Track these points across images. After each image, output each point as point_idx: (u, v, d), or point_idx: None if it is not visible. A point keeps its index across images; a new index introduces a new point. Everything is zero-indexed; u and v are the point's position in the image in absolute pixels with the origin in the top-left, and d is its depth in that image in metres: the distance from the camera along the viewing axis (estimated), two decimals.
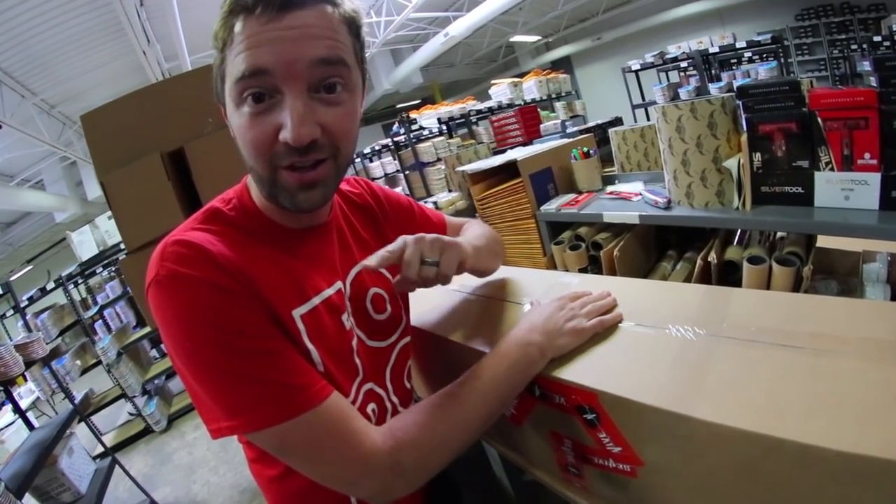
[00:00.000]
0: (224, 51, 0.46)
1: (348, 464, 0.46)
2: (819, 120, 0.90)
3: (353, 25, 0.48)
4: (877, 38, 5.16)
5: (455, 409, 0.51)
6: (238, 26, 0.43)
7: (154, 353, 4.55)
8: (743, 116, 1.00)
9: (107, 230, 3.50)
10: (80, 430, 2.70)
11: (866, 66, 5.12)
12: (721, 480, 0.45)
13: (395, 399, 0.64)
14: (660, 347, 0.54)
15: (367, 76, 0.54)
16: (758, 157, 1.00)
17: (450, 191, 3.53)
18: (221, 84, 0.48)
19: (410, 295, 0.73)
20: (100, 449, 2.75)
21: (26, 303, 3.52)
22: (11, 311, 3.47)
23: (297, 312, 0.50)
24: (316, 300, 0.53)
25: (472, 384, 0.53)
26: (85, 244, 3.53)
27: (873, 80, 0.89)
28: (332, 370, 0.53)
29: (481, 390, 0.52)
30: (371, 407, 0.59)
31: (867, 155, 0.87)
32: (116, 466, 2.25)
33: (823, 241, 0.99)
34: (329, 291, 0.55)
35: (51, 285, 3.71)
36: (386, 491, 0.47)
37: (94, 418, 2.90)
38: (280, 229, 0.55)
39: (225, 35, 0.45)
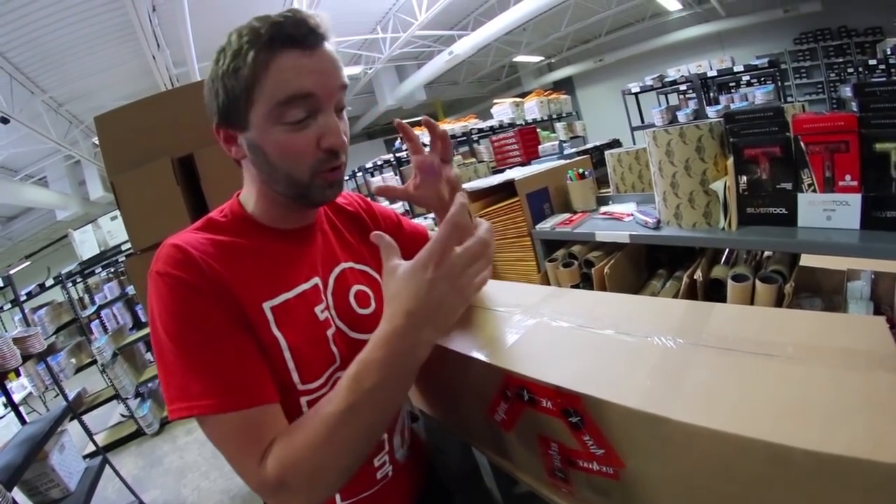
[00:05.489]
0: (256, 73, 0.51)
1: (247, 475, 0.50)
2: (802, 144, 0.94)
3: None
4: (872, 62, 5.27)
5: (336, 429, 0.48)
6: (279, 56, 0.51)
7: (149, 356, 4.53)
8: (729, 141, 1.04)
9: (109, 231, 3.52)
10: (72, 428, 2.69)
11: (848, 91, 5.23)
12: (698, 481, 0.46)
13: None
14: (642, 355, 0.56)
15: None
16: (743, 179, 1.03)
17: None
18: (246, 104, 0.53)
19: None
20: (90, 448, 2.73)
21: (24, 297, 3.52)
22: (9, 305, 3.46)
23: (268, 304, 0.57)
24: (287, 294, 0.59)
25: (347, 401, 0.48)
26: (86, 243, 3.54)
27: (854, 105, 0.93)
28: (306, 354, 0.58)
29: (358, 408, 0.48)
30: None
31: (848, 177, 0.91)
32: (106, 467, 2.23)
33: (810, 261, 1.02)
34: (305, 286, 0.62)
35: (50, 282, 3.71)
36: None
37: (85, 418, 2.89)
38: (267, 231, 0.63)
39: (265, 61, 0.51)
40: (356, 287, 0.69)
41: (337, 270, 0.67)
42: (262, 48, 0.51)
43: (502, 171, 2.99)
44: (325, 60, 0.53)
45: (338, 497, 0.64)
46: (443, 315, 0.49)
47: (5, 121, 4.50)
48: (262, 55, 0.51)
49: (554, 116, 5.55)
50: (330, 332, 0.62)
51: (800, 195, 0.98)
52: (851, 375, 0.44)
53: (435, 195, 0.73)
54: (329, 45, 0.55)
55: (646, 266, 1.53)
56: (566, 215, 1.64)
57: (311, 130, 0.54)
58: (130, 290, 4.26)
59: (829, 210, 0.94)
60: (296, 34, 0.51)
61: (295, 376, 0.58)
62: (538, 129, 4.47)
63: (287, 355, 0.57)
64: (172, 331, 0.51)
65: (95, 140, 6.54)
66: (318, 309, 0.62)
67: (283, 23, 0.51)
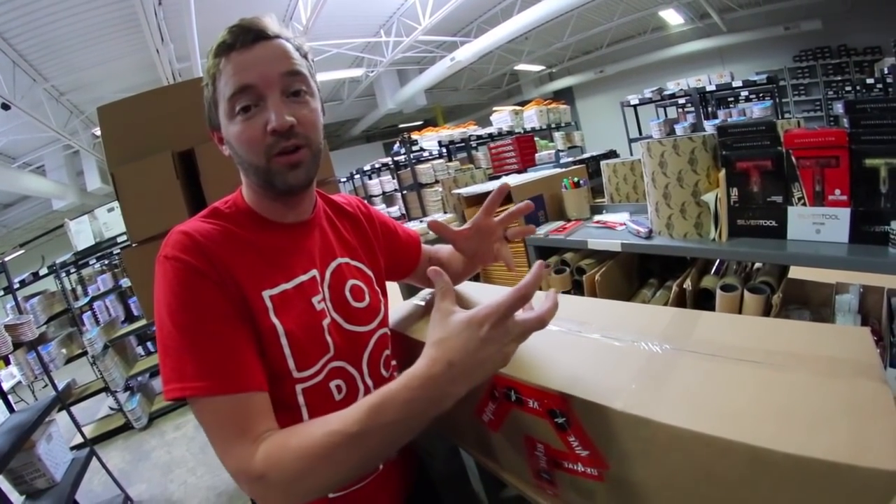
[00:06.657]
0: (215, 83, 0.60)
1: (229, 459, 0.51)
2: (793, 158, 0.96)
3: (301, 51, 0.63)
4: (870, 81, 5.34)
5: (338, 448, 0.47)
6: (223, 62, 0.58)
7: (140, 350, 4.51)
8: (722, 154, 1.06)
9: (105, 222, 3.50)
10: (60, 419, 2.67)
11: (840, 108, 5.34)
12: (681, 483, 0.47)
13: (369, 382, 0.69)
14: (628, 359, 0.57)
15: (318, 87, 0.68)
16: (734, 191, 1.05)
17: (445, 212, 3.60)
18: (215, 109, 0.62)
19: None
20: (77, 440, 2.71)
21: (17, 285, 3.49)
22: (1, 293, 3.44)
23: (267, 293, 0.60)
24: (286, 285, 0.62)
25: (360, 427, 0.47)
26: (82, 234, 3.52)
27: (846, 122, 0.95)
28: (302, 343, 0.61)
29: (367, 437, 0.47)
30: (335, 383, 0.65)
31: (838, 191, 0.92)
32: (93, 459, 2.22)
33: (799, 274, 1.04)
34: (303, 277, 0.64)
35: (43, 271, 3.69)
36: (259, 497, 0.50)
37: (73, 410, 2.86)
38: (267, 223, 0.65)
39: (214, 70, 0.60)
40: (351, 281, 0.71)
41: (333, 265, 0.70)
42: (213, 61, 0.60)
43: (499, 177, 3.02)
44: (262, 52, 0.58)
45: None
46: (480, 374, 0.48)
47: (6, 107, 4.49)
48: (213, 67, 0.60)
49: (553, 126, 5.59)
50: (325, 323, 0.64)
51: (790, 208, 0.99)
52: (835, 383, 0.44)
53: (475, 251, 0.82)
54: (274, 40, 0.59)
55: (637, 275, 1.55)
56: (560, 223, 1.66)
57: (260, 117, 0.58)
58: (124, 282, 4.24)
59: (819, 223, 0.96)
60: (232, 40, 0.58)
61: (291, 363, 0.60)
62: (536, 138, 4.52)
63: (284, 341, 0.59)
64: (174, 311, 0.53)
65: (95, 131, 6.53)
66: (314, 300, 0.64)
67: (224, 35, 0.59)
